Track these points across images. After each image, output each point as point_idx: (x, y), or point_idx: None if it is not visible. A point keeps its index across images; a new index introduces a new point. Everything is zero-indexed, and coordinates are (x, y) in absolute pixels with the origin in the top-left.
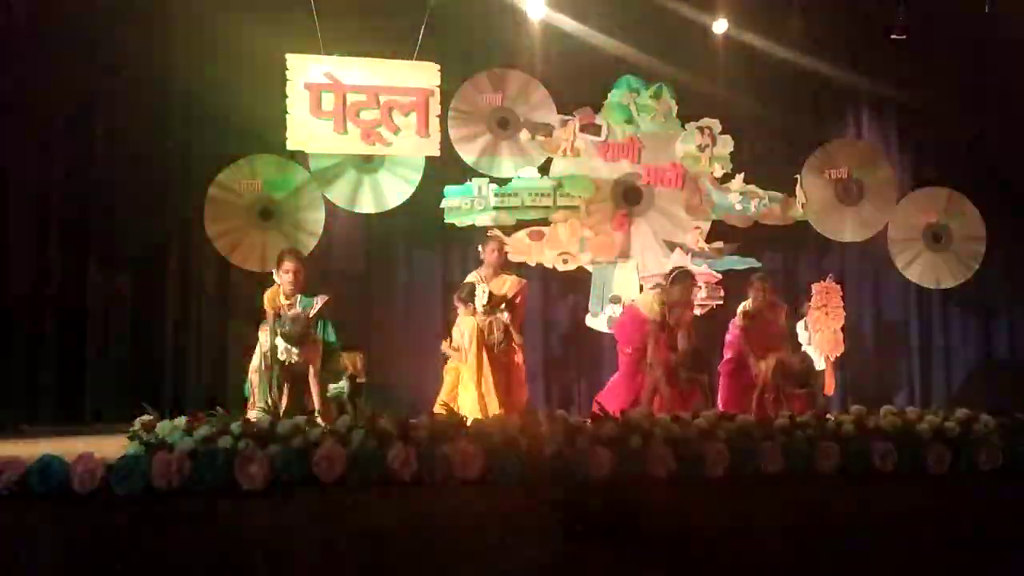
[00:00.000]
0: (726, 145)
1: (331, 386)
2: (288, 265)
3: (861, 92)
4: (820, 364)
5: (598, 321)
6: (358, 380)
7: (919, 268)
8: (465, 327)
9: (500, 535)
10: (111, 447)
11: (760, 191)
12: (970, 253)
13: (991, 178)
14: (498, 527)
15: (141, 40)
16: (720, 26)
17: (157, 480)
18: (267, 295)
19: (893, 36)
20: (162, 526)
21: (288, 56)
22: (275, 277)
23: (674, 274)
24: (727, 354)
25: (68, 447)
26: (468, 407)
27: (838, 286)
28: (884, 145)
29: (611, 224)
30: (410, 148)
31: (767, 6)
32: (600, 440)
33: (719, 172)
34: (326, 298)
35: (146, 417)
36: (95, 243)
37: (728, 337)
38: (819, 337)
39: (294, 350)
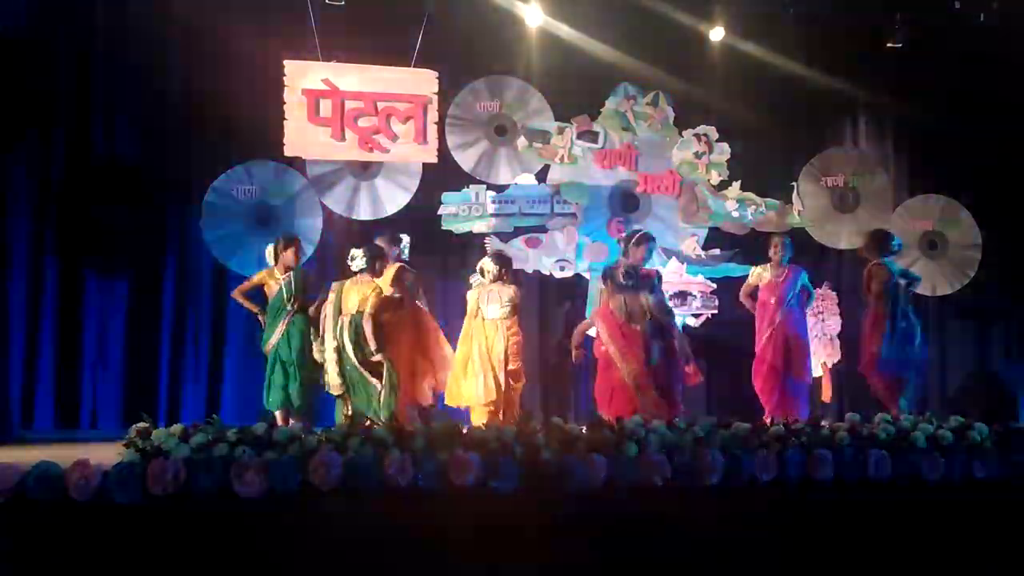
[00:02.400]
0: (723, 152)
1: None
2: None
3: (857, 100)
4: (817, 371)
5: (595, 328)
6: None
7: None
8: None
9: (496, 542)
10: (108, 454)
11: (757, 198)
12: (965, 261)
13: (986, 186)
14: (494, 534)
15: (138, 44)
16: (717, 34)
17: (153, 487)
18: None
19: (889, 45)
20: (158, 533)
21: (286, 62)
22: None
23: (636, 236)
24: None
25: (65, 454)
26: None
27: (834, 293)
28: (880, 153)
29: (608, 231)
30: (408, 155)
31: (764, 15)
32: (596, 448)
33: (716, 179)
34: None
35: (142, 424)
36: (92, 248)
37: None
38: (815, 344)
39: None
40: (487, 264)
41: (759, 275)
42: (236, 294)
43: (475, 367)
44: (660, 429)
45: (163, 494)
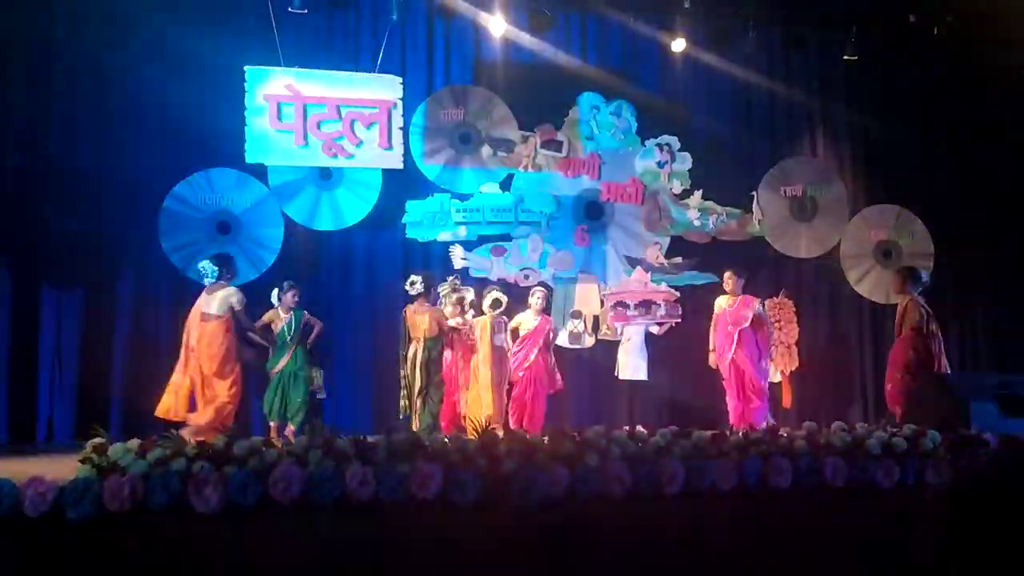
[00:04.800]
0: (684, 162)
1: None
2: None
3: (815, 111)
4: (776, 378)
5: (559, 337)
6: (318, 396)
7: (870, 283)
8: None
9: (459, 554)
10: (63, 469)
11: (718, 207)
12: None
13: (939, 196)
14: (456, 546)
15: (97, 49)
16: (678, 45)
17: (110, 504)
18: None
19: (846, 57)
20: (115, 551)
21: (247, 68)
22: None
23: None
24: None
25: (19, 469)
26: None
27: (791, 301)
28: (837, 163)
29: (572, 239)
30: (372, 160)
31: (724, 27)
32: (557, 458)
33: (678, 188)
34: None
35: (98, 439)
36: (47, 256)
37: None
38: (773, 352)
39: None
40: (501, 297)
41: (719, 304)
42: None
43: (482, 389)
44: (621, 439)
45: (120, 510)
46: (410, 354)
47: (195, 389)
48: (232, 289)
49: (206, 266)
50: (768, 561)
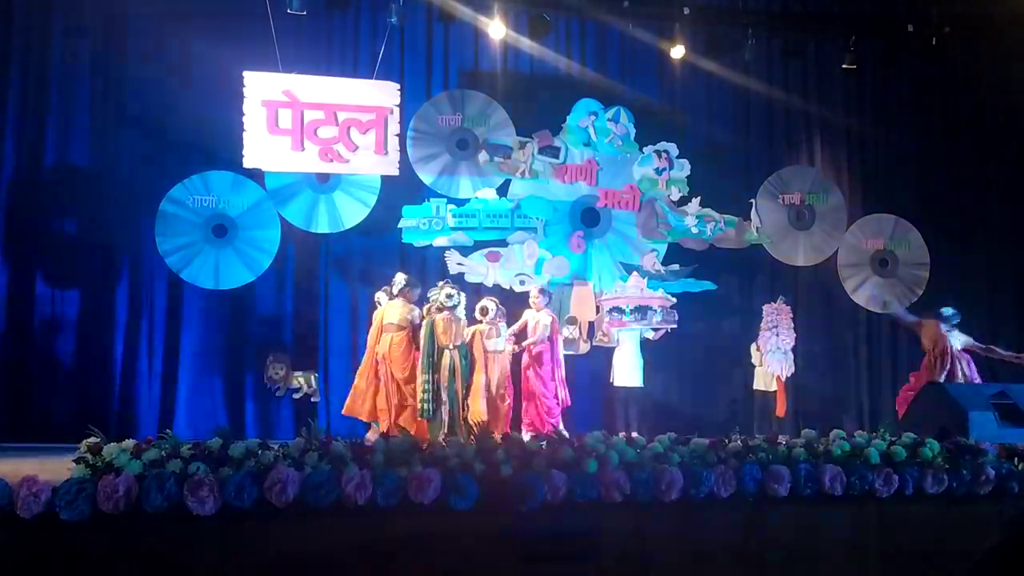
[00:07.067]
0: (683, 169)
1: None
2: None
3: (813, 119)
4: (772, 384)
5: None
6: (313, 400)
7: (866, 292)
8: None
9: (455, 559)
10: (58, 468)
11: (716, 214)
12: (914, 279)
13: (935, 206)
14: (453, 551)
15: (96, 53)
16: (677, 52)
17: (103, 504)
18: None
19: (844, 66)
20: (109, 552)
21: (246, 73)
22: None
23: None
24: None
25: (13, 468)
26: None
27: (788, 307)
28: (835, 172)
29: (568, 245)
30: (368, 166)
31: (723, 34)
32: (556, 464)
33: (676, 195)
34: None
35: (93, 439)
36: (43, 256)
37: None
38: (770, 357)
39: None
40: (489, 305)
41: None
42: None
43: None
44: (620, 445)
45: (114, 511)
46: (445, 362)
47: (388, 393)
48: (413, 306)
49: (400, 278)
50: (766, 568)
